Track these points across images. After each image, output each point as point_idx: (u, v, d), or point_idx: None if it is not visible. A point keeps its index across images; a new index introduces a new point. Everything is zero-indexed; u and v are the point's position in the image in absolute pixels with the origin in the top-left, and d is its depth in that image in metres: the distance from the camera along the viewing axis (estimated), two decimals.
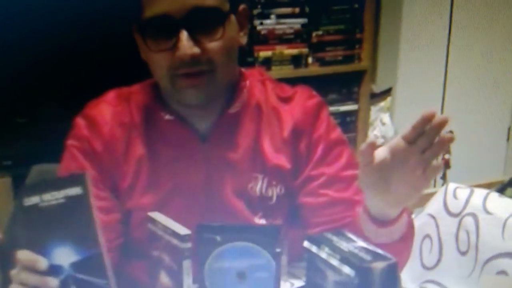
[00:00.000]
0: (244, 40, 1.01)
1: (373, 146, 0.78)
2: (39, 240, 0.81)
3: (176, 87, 0.95)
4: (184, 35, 0.90)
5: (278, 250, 0.81)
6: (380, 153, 0.80)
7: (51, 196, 0.81)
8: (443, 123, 0.76)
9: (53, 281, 0.80)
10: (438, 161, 0.78)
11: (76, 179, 0.82)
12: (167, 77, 0.95)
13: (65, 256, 0.81)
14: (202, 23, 0.91)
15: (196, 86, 0.94)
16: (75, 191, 0.81)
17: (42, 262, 0.80)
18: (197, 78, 0.94)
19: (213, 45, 0.92)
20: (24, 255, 0.81)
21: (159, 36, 0.92)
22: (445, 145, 0.77)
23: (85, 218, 0.81)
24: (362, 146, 0.79)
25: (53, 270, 0.81)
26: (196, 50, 0.91)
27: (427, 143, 0.77)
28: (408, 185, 0.80)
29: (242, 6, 0.99)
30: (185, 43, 0.90)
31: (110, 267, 0.82)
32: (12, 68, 1.84)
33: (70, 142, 1.02)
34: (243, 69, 1.07)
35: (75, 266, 0.81)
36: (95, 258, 0.81)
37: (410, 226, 0.94)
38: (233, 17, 0.96)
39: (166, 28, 0.91)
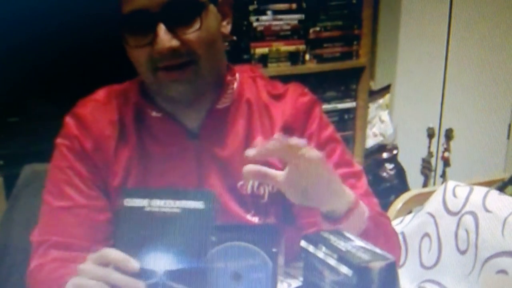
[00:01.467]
0: (227, 29, 1.01)
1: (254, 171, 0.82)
2: (136, 242, 0.79)
3: (159, 82, 0.95)
4: (161, 28, 0.90)
5: (274, 250, 0.80)
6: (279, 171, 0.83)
7: (164, 204, 0.80)
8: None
9: (140, 284, 0.77)
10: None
11: (200, 194, 0.81)
12: (149, 72, 0.95)
13: (161, 262, 0.79)
14: (179, 15, 0.91)
15: (179, 79, 0.94)
16: (195, 204, 0.80)
17: (134, 264, 0.77)
18: (179, 72, 0.93)
19: (192, 36, 0.92)
20: (114, 253, 0.78)
21: (137, 31, 0.92)
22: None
23: (199, 233, 0.79)
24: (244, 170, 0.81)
25: (144, 273, 0.78)
26: (174, 42, 0.91)
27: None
28: (315, 183, 0.82)
29: None
30: (163, 37, 0.90)
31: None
32: (2, 68, 1.83)
33: (59, 141, 1.01)
34: (236, 67, 1.06)
35: (171, 274, 0.78)
36: (196, 270, 0.78)
37: (372, 221, 0.91)
38: (212, 7, 0.96)
39: (143, 23, 0.91)
